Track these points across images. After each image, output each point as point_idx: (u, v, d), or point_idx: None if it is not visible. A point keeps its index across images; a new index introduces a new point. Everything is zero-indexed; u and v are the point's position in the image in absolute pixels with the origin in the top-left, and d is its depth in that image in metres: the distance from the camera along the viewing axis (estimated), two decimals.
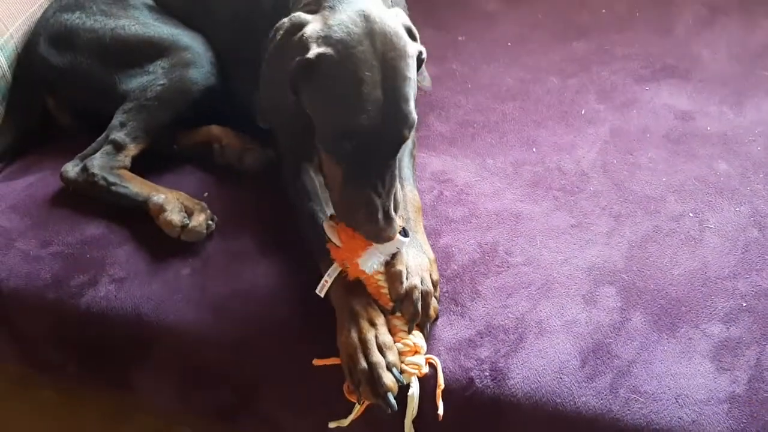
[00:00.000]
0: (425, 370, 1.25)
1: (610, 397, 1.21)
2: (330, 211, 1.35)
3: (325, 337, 1.28)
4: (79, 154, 1.58)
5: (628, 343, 1.26)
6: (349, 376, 1.23)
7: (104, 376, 1.48)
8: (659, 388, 1.20)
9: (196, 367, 1.39)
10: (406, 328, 1.26)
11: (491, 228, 1.46)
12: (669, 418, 1.18)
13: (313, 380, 1.29)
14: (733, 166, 1.55)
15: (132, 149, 1.57)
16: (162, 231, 1.47)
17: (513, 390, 1.23)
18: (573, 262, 1.39)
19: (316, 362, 1.27)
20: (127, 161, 1.57)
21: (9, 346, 1.51)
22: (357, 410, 1.25)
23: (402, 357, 1.24)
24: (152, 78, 1.60)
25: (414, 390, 1.23)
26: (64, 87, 1.69)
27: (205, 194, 1.56)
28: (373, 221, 1.23)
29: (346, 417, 1.26)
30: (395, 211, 1.25)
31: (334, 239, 1.28)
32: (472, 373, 1.25)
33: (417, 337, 1.26)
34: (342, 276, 1.28)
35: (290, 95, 1.29)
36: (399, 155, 1.28)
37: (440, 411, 1.23)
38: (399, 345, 1.24)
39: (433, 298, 1.28)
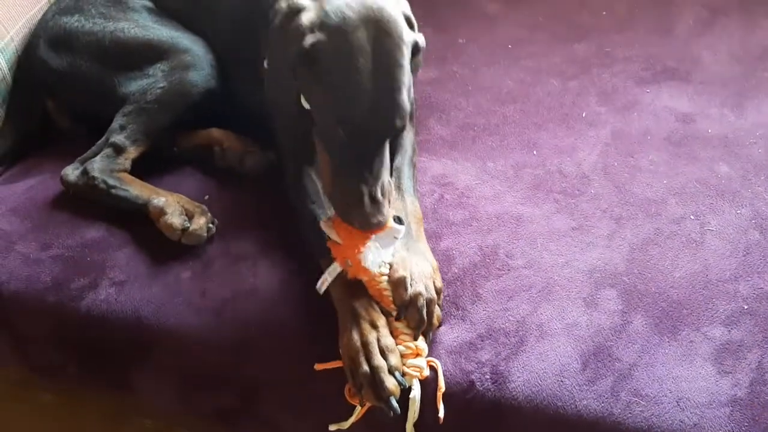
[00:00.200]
0: (426, 372, 1.25)
1: (612, 400, 1.20)
2: (331, 213, 1.35)
3: (326, 339, 1.28)
4: (79, 158, 1.58)
5: (629, 346, 1.26)
6: (351, 379, 1.23)
7: (104, 379, 1.48)
8: (660, 392, 1.20)
9: (197, 370, 1.39)
10: (407, 330, 1.26)
11: (492, 231, 1.46)
12: (670, 422, 1.17)
13: (314, 382, 1.29)
14: (735, 169, 1.55)
15: (132, 152, 1.57)
16: (162, 234, 1.47)
17: (514, 393, 1.23)
18: (574, 265, 1.39)
19: (318, 367, 1.27)
20: (127, 164, 1.56)
21: (9, 349, 1.51)
22: (358, 413, 1.25)
23: (403, 360, 1.24)
24: (152, 81, 1.59)
25: (415, 393, 1.23)
26: (64, 90, 1.69)
27: (206, 197, 1.55)
28: (360, 208, 1.22)
29: (346, 419, 1.26)
30: (384, 196, 1.25)
31: (333, 236, 1.28)
32: (473, 376, 1.25)
33: (418, 340, 1.26)
34: (343, 276, 1.28)
35: (293, 83, 1.28)
36: (395, 145, 1.27)
37: (441, 414, 1.22)
38: (400, 348, 1.24)
39: (437, 306, 1.27)
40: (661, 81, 1.79)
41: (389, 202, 1.27)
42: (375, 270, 1.26)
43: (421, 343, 1.26)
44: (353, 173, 1.24)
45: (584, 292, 1.34)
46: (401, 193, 1.42)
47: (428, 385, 1.25)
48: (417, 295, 1.24)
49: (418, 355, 1.25)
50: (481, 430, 1.26)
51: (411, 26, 1.30)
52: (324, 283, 1.29)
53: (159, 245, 1.47)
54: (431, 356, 1.27)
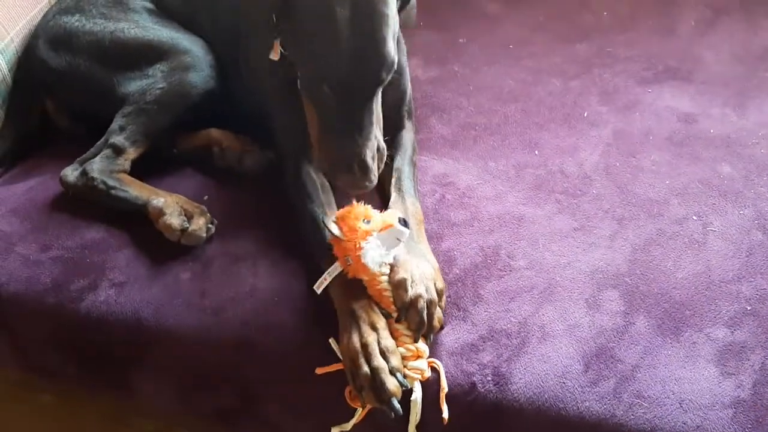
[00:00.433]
0: (428, 374, 1.24)
1: (614, 401, 1.20)
2: (331, 212, 1.34)
3: (326, 340, 1.28)
4: (78, 158, 1.58)
5: (631, 347, 1.26)
6: (351, 381, 1.22)
7: (104, 379, 1.47)
8: (663, 393, 1.20)
9: (197, 370, 1.38)
10: (408, 332, 1.25)
11: (493, 231, 1.45)
12: (673, 423, 1.17)
13: (315, 383, 1.28)
14: (737, 169, 1.55)
15: (131, 153, 1.56)
16: (162, 235, 1.46)
17: (515, 395, 1.23)
18: (576, 266, 1.38)
19: (319, 371, 1.26)
20: (127, 165, 1.56)
21: (9, 350, 1.51)
22: (359, 414, 1.24)
23: (405, 361, 1.23)
24: (151, 81, 1.59)
25: (417, 395, 1.22)
26: (63, 89, 1.68)
27: (205, 197, 1.55)
28: (348, 170, 1.20)
29: (348, 421, 1.25)
30: (374, 160, 1.22)
31: (336, 231, 1.27)
32: (475, 378, 1.25)
33: (419, 342, 1.25)
34: (343, 277, 1.28)
35: (272, 35, 1.24)
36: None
37: (445, 414, 1.22)
38: (401, 349, 1.24)
39: (438, 308, 1.26)
40: (662, 81, 1.79)
41: (379, 167, 1.23)
42: (375, 268, 1.25)
43: (422, 345, 1.25)
44: (341, 133, 1.20)
45: (586, 293, 1.34)
46: (401, 194, 1.41)
47: (430, 386, 1.25)
48: (417, 297, 1.23)
49: (418, 357, 1.24)
50: None
51: None
52: (323, 283, 1.28)
53: (158, 246, 1.46)
54: (432, 358, 1.26)
